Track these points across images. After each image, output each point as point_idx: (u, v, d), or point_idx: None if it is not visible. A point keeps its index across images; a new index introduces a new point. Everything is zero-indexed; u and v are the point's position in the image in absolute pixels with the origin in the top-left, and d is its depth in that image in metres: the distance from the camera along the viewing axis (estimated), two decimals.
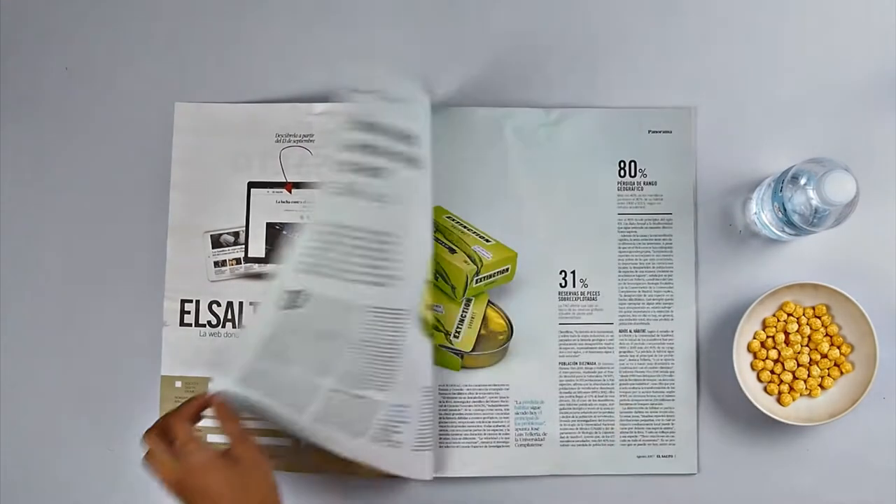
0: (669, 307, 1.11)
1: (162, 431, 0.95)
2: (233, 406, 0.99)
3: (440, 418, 1.10)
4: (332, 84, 1.12)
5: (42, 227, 1.13)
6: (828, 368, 1.08)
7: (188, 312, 1.11)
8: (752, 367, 1.09)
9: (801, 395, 1.08)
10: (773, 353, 1.09)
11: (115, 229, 1.13)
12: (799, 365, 1.09)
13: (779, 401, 1.08)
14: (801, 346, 1.09)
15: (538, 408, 1.10)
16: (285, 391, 1.02)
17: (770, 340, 1.09)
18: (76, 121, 1.14)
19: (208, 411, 0.99)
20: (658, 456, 1.10)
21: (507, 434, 1.10)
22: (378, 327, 1.04)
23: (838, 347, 1.09)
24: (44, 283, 1.13)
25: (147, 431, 0.96)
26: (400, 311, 1.05)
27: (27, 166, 1.14)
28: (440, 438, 1.10)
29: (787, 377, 1.08)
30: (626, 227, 1.11)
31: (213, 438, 1.05)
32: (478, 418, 1.10)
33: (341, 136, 1.07)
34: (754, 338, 1.09)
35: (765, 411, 1.06)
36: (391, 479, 1.07)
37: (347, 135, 1.07)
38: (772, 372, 1.09)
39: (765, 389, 1.09)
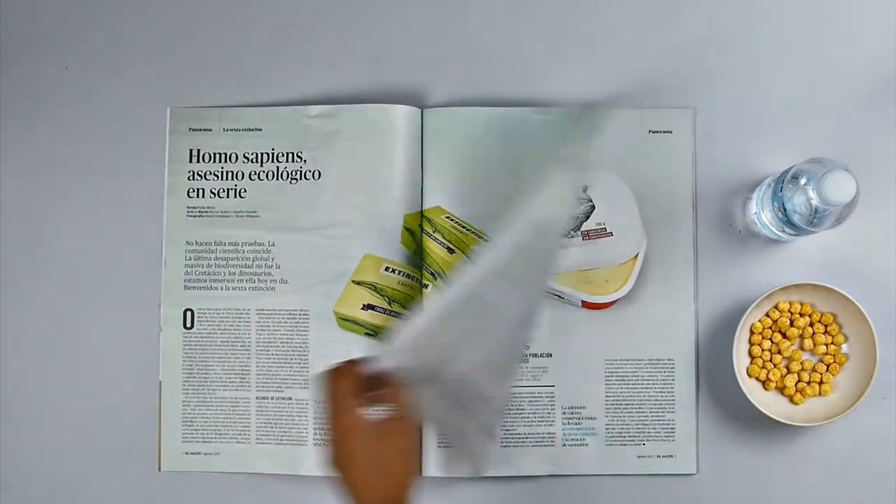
0: (669, 307, 1.10)
1: (341, 375, 0.91)
2: (405, 383, 0.92)
3: None
4: (329, 87, 1.12)
5: (42, 226, 1.13)
6: (828, 365, 1.08)
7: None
8: (752, 367, 1.09)
9: (800, 395, 1.08)
10: (774, 354, 1.09)
11: (114, 229, 1.13)
12: (802, 368, 1.09)
13: (788, 401, 1.08)
14: (801, 346, 1.09)
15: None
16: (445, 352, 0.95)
17: (769, 342, 1.09)
18: (76, 121, 1.14)
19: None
20: (658, 456, 1.10)
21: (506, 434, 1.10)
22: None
23: (838, 347, 1.09)
24: (43, 283, 1.13)
25: (328, 370, 0.91)
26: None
27: (26, 166, 1.14)
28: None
29: (791, 379, 1.08)
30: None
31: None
32: None
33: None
34: (754, 338, 1.09)
35: (765, 411, 1.06)
36: None
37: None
38: (776, 373, 1.09)
39: (765, 389, 1.09)
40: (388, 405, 0.91)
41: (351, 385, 0.90)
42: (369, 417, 0.89)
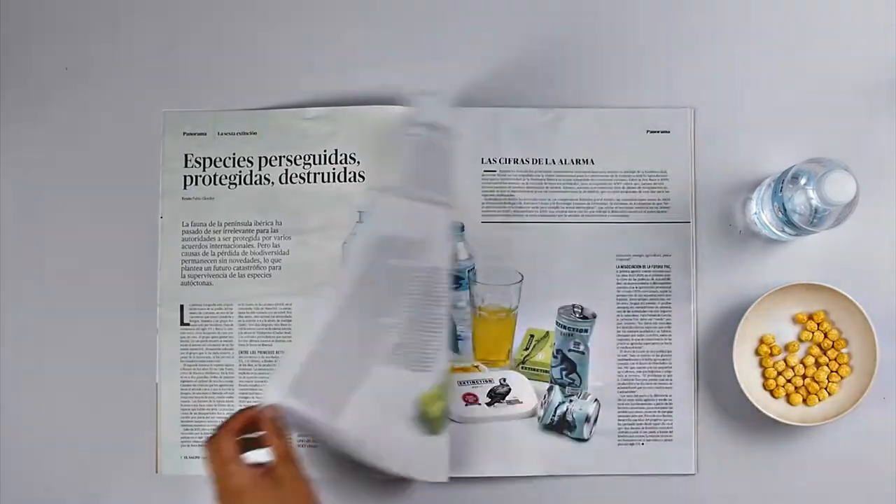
0: (668, 307, 1.10)
1: (217, 443, 0.94)
2: (282, 421, 0.96)
3: None
4: (328, 89, 1.12)
5: (38, 227, 1.13)
6: (826, 363, 1.08)
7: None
8: (752, 367, 1.09)
9: (801, 396, 1.08)
10: (774, 354, 1.09)
11: (110, 232, 1.13)
12: (805, 368, 1.09)
13: (787, 401, 1.09)
14: (801, 346, 1.09)
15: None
16: (329, 387, 1.00)
17: (766, 347, 1.09)
18: (75, 121, 1.14)
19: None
20: (657, 455, 1.10)
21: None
22: (420, 301, 1.04)
23: (838, 348, 1.09)
24: (42, 283, 1.12)
25: (206, 441, 0.94)
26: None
27: (26, 166, 1.13)
28: None
29: (797, 381, 1.09)
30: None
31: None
32: None
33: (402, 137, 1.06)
34: (754, 338, 1.09)
35: (764, 411, 1.06)
36: (401, 483, 1.08)
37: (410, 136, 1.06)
38: (773, 372, 1.09)
39: (764, 389, 1.09)
40: (269, 447, 0.94)
41: (229, 446, 0.92)
42: (254, 471, 0.92)
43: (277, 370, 1.00)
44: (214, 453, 0.93)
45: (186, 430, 1.10)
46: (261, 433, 0.95)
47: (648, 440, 1.10)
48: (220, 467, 0.92)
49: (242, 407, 0.99)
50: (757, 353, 1.09)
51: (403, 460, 1.03)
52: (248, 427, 0.96)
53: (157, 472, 1.10)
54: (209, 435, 0.95)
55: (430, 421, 1.04)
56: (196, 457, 1.09)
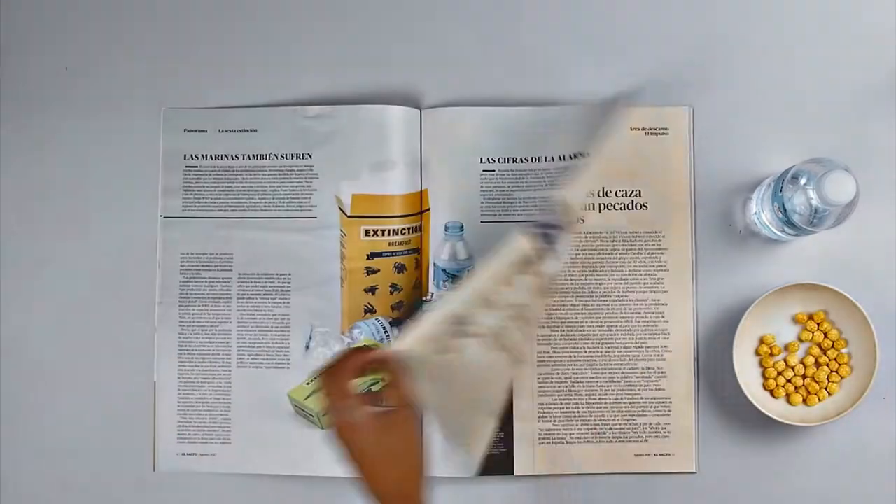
0: (668, 307, 1.10)
1: (335, 377, 0.90)
2: (407, 368, 0.92)
3: None
4: (327, 87, 1.12)
5: (38, 226, 1.13)
6: (826, 363, 1.08)
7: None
8: (752, 367, 1.09)
9: (801, 396, 1.08)
10: (774, 354, 1.09)
11: (110, 229, 1.13)
12: (805, 368, 1.09)
13: (787, 401, 1.08)
14: (801, 346, 1.09)
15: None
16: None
17: (766, 347, 1.09)
18: (76, 121, 1.14)
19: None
20: (656, 454, 1.09)
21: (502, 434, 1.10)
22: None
23: (838, 348, 1.09)
24: (42, 282, 1.12)
25: (323, 374, 0.91)
26: None
27: (26, 166, 1.13)
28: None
29: (797, 381, 1.08)
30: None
31: None
32: None
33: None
34: (754, 338, 1.09)
35: (764, 411, 1.06)
36: None
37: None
38: (773, 372, 1.09)
39: (764, 389, 1.09)
40: (388, 398, 0.91)
41: (348, 381, 0.89)
42: (371, 411, 0.89)
43: (405, 331, 0.94)
44: (334, 381, 0.90)
45: (183, 427, 1.10)
46: (380, 381, 0.93)
47: (648, 439, 1.09)
48: (339, 399, 0.89)
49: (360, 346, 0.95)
50: (757, 353, 1.09)
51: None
52: (366, 368, 0.92)
53: (154, 469, 1.10)
54: (326, 366, 0.91)
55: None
56: (193, 454, 1.09)
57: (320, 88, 1.13)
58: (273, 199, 1.12)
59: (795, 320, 1.09)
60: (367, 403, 0.90)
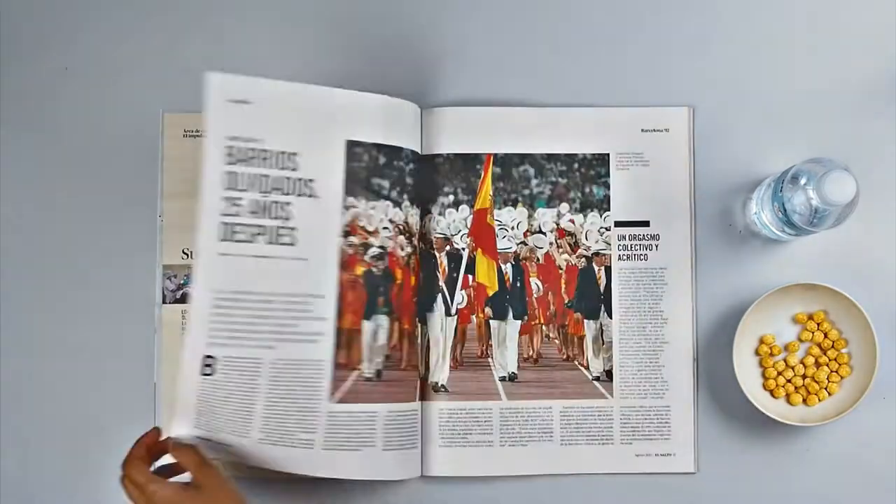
0: (668, 306, 1.10)
1: (130, 472, 0.96)
2: (187, 443, 0.98)
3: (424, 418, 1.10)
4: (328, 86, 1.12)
5: (38, 227, 1.13)
6: (826, 363, 1.08)
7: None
8: (752, 367, 1.09)
9: (801, 396, 1.08)
10: (774, 354, 1.09)
11: (110, 231, 1.12)
12: (805, 368, 1.09)
13: (787, 401, 1.09)
14: (801, 346, 1.09)
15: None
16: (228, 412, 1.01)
17: (766, 347, 1.09)
18: (75, 121, 1.14)
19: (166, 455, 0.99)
20: (656, 455, 1.10)
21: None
22: (294, 381, 1.03)
23: (838, 348, 1.09)
24: (42, 283, 1.12)
25: (121, 477, 0.96)
26: (319, 362, 1.03)
27: (26, 166, 1.13)
28: (430, 438, 1.09)
29: (797, 381, 1.09)
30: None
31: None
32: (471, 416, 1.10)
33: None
34: (754, 338, 1.09)
35: (764, 411, 1.06)
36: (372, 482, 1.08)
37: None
38: (773, 372, 1.09)
39: (764, 389, 1.09)
40: (185, 465, 0.97)
41: (143, 471, 0.95)
42: (176, 484, 0.94)
43: (175, 409, 1.00)
44: (131, 482, 0.95)
45: None
46: (171, 461, 0.98)
47: (648, 440, 1.10)
48: (140, 493, 0.94)
49: (142, 434, 0.99)
50: (757, 353, 1.09)
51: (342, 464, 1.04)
52: (157, 454, 0.98)
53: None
54: (122, 466, 0.96)
55: None
56: None
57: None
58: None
59: (795, 320, 1.09)
60: (170, 476, 0.97)
